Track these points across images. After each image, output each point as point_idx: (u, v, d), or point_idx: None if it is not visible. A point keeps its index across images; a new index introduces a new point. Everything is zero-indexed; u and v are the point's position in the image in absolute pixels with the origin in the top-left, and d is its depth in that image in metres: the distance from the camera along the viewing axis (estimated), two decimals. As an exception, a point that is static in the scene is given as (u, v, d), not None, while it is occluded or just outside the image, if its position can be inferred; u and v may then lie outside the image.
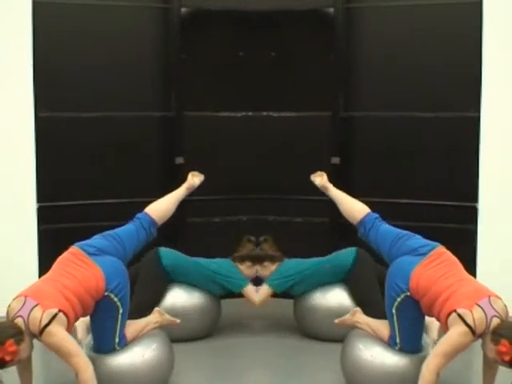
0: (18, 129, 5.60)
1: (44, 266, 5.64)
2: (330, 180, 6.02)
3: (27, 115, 5.59)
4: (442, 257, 4.06)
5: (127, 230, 4.37)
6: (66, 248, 5.72)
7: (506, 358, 3.58)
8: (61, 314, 3.74)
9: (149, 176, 6.01)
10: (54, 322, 3.69)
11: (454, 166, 5.79)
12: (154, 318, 4.43)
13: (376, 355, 4.09)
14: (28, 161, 5.60)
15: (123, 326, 4.15)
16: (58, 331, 3.69)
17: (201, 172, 6.01)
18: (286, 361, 4.67)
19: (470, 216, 5.69)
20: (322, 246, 6.07)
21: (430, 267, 4.00)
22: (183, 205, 6.05)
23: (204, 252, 6.04)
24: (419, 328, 4.12)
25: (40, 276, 5.59)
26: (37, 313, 3.70)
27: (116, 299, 4.07)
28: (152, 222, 4.46)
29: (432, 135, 5.83)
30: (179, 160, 6.00)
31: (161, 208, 4.56)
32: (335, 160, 6.01)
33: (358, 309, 4.42)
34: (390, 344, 4.14)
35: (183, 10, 5.96)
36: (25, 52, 5.54)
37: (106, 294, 4.04)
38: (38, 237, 5.66)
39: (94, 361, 3.92)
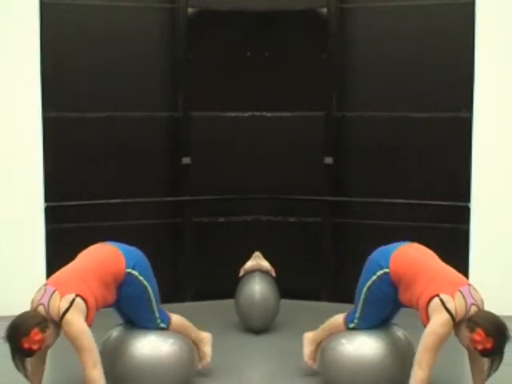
0: (25, 129, 5.61)
1: (52, 265, 5.68)
2: (323, 180, 6.07)
3: (35, 115, 5.60)
4: (420, 246, 4.18)
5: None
6: (73, 247, 5.79)
7: (479, 347, 3.63)
8: (78, 299, 3.74)
9: (156, 176, 6.03)
10: (72, 309, 3.71)
11: (446, 166, 5.81)
12: (205, 336, 4.39)
13: (335, 346, 4.11)
14: (35, 161, 5.61)
15: (158, 306, 4.14)
16: (76, 321, 3.70)
17: (207, 172, 6.05)
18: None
19: (463, 216, 5.72)
20: (315, 246, 6.09)
21: (411, 249, 4.11)
22: (189, 204, 6.10)
23: (210, 252, 6.08)
24: (382, 314, 4.15)
25: (48, 275, 5.65)
26: (55, 299, 3.73)
27: (141, 278, 4.03)
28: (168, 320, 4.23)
29: (425, 135, 5.85)
30: (186, 160, 6.02)
31: (183, 326, 4.31)
32: (328, 160, 6.02)
33: (305, 333, 4.44)
34: (346, 321, 4.15)
35: (190, 10, 5.97)
36: (32, 52, 5.55)
37: (128, 270, 4.00)
38: (46, 236, 5.68)
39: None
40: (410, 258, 4.05)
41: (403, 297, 4.02)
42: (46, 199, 5.67)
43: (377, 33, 5.89)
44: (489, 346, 3.61)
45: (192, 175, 6.04)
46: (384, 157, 5.91)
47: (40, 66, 5.57)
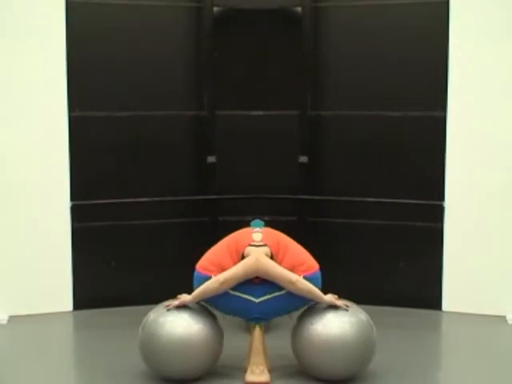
0: (51, 128, 5.63)
1: (78, 263, 5.72)
2: (298, 179, 6.07)
3: (61, 115, 5.62)
4: None
5: None
6: (99, 246, 5.82)
7: None
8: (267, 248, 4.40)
9: (181, 175, 6.03)
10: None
11: (420, 165, 5.81)
12: (265, 376, 4.40)
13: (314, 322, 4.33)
14: (62, 160, 5.64)
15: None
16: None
17: (232, 171, 6.04)
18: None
19: (437, 214, 5.73)
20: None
21: None
22: (216, 203, 6.10)
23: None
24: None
25: (74, 273, 5.69)
26: None
27: None
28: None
29: (399, 134, 5.85)
30: (211, 159, 6.02)
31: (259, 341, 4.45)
32: (303, 159, 6.00)
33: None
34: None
35: (215, 9, 5.97)
36: (58, 52, 5.57)
37: None
38: (72, 235, 5.70)
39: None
40: None
41: None
42: (72, 198, 5.69)
43: (351, 32, 5.88)
44: None
45: (218, 174, 6.03)
46: (359, 156, 5.92)
47: (66, 65, 5.59)
